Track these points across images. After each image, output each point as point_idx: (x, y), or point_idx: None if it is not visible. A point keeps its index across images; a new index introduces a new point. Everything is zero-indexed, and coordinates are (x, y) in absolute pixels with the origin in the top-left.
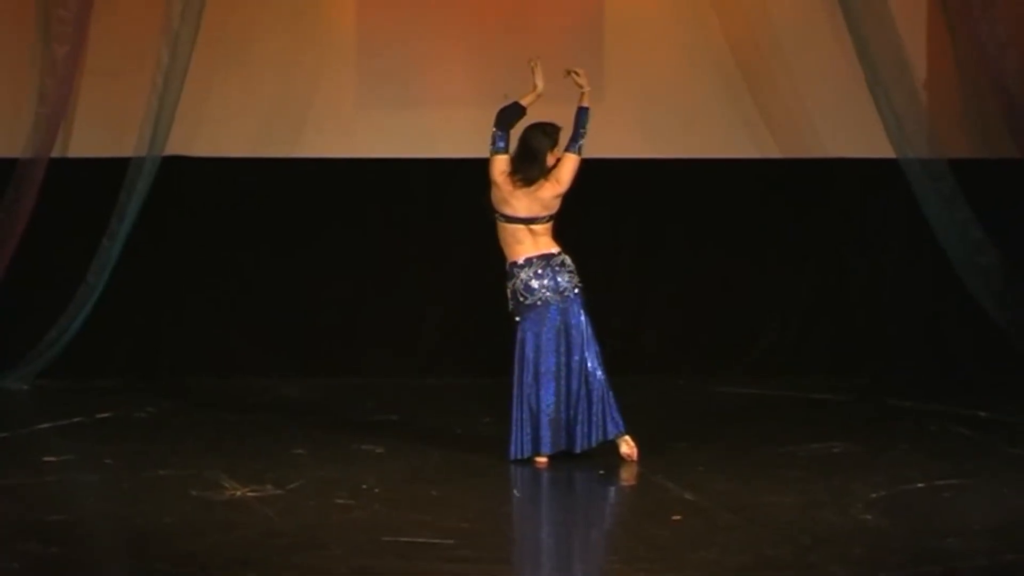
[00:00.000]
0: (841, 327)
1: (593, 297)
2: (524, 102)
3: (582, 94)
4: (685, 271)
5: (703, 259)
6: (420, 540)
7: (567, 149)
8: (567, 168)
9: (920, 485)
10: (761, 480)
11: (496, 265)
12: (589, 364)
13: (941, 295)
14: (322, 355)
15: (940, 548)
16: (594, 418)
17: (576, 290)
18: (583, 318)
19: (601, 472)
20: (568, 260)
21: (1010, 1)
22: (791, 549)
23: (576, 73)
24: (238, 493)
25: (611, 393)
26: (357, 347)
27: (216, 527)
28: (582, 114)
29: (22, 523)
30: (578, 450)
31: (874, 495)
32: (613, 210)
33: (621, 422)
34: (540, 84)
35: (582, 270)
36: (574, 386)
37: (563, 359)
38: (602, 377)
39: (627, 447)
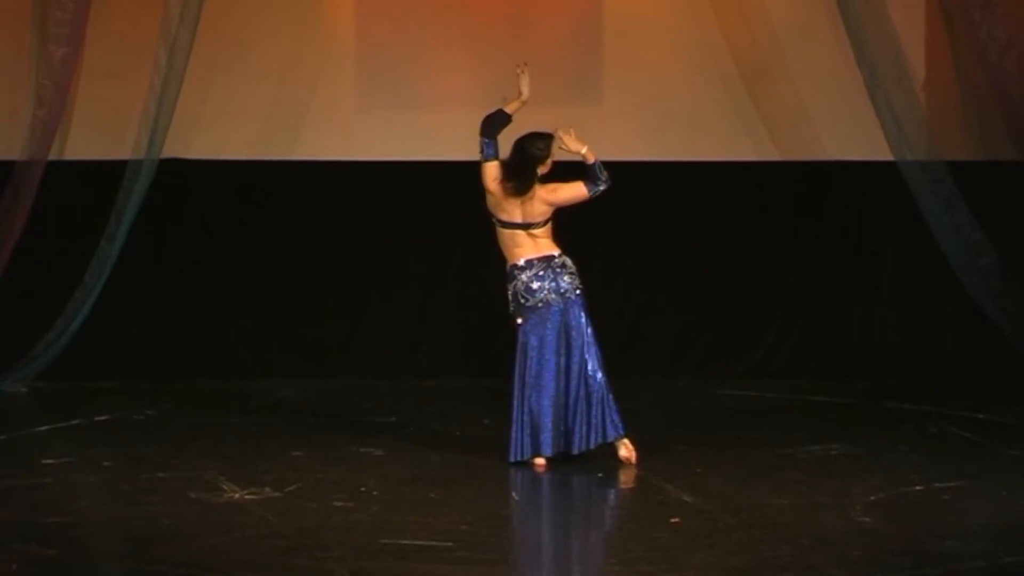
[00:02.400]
0: (841, 330)
1: (593, 300)
2: (509, 110)
3: (581, 156)
4: (684, 274)
5: (702, 262)
6: (419, 542)
7: (585, 183)
8: (568, 192)
9: (919, 487)
10: (760, 482)
11: (496, 267)
12: (589, 366)
13: (940, 297)
14: (321, 357)
15: (939, 550)
16: (593, 420)
17: (577, 292)
18: (584, 320)
19: (600, 474)
20: (569, 262)
21: (1010, 2)
22: (790, 551)
23: (566, 136)
24: (237, 495)
25: (611, 396)
26: (356, 349)
27: (215, 529)
28: (592, 169)
29: (21, 525)
30: (576, 452)
31: (873, 497)
32: (612, 213)
33: (621, 425)
34: (525, 91)
35: (582, 273)
36: (573, 388)
37: (563, 361)
38: (602, 380)
39: (626, 451)
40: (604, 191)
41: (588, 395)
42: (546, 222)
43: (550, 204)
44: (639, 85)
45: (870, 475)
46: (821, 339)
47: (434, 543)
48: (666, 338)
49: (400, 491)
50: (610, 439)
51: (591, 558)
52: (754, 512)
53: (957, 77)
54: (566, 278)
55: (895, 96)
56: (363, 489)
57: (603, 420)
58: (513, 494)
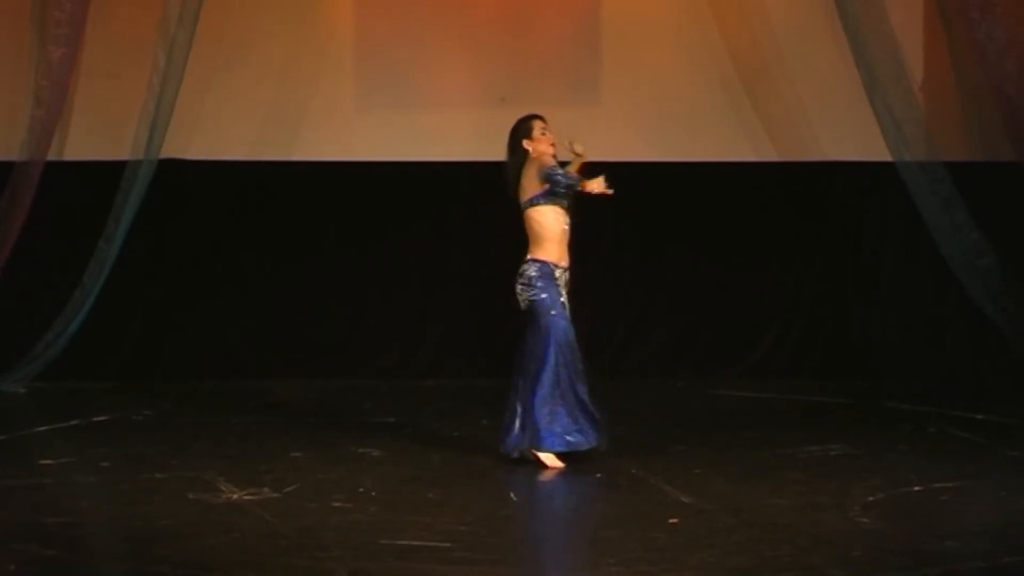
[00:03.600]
0: (841, 330)
1: (593, 299)
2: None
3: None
4: (684, 274)
5: (702, 262)
6: (418, 543)
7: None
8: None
9: (918, 487)
10: (760, 482)
11: (495, 266)
12: (526, 375)
13: (940, 297)
14: (320, 358)
15: (939, 550)
16: (521, 422)
17: (525, 303)
18: (535, 326)
19: (599, 475)
20: (526, 269)
21: (1009, 3)
22: (790, 551)
23: (577, 151)
24: (235, 496)
25: (539, 411)
26: (356, 349)
27: (214, 530)
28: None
29: (21, 525)
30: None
31: (872, 497)
32: (612, 213)
33: (538, 440)
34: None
35: (582, 273)
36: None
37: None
38: (524, 392)
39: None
40: (564, 191)
41: (528, 399)
42: (529, 203)
43: (533, 168)
44: (638, 85)
45: (870, 475)
46: (821, 339)
47: (434, 543)
48: (666, 338)
49: (399, 491)
50: (522, 448)
51: (590, 558)
52: (754, 512)
53: (956, 78)
54: (518, 287)
55: (894, 96)
56: (362, 489)
57: (525, 429)
58: (512, 494)
